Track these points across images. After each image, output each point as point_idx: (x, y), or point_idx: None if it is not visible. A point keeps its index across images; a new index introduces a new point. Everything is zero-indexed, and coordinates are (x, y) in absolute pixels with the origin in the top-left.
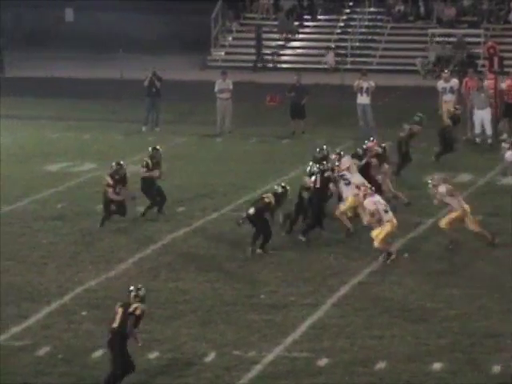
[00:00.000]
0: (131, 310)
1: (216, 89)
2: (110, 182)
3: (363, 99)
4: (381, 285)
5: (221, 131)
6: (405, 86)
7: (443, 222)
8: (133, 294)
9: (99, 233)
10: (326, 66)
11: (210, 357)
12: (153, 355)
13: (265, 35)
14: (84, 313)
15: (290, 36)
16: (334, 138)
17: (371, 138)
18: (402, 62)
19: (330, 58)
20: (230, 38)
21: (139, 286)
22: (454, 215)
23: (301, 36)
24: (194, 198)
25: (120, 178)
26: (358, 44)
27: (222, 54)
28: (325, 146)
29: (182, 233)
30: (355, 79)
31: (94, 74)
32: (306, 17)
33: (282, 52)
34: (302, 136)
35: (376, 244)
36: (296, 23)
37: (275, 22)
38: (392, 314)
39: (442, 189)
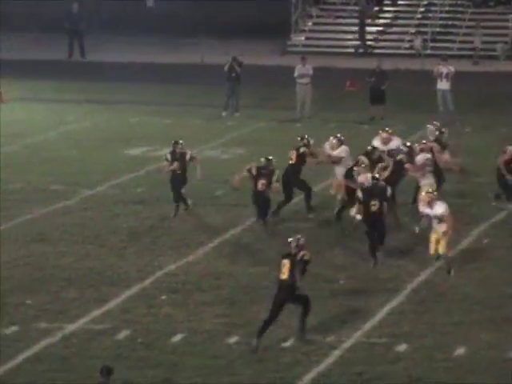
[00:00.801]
0: (299, 257)
1: (296, 74)
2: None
3: (443, 84)
4: (460, 271)
5: (300, 116)
6: (484, 71)
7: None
8: (293, 244)
9: (178, 217)
10: (412, 52)
11: (289, 342)
12: (232, 340)
13: (343, 21)
14: (163, 297)
15: (369, 21)
16: (413, 123)
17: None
18: (482, 48)
19: (418, 43)
20: (310, 23)
21: (298, 235)
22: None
23: (380, 21)
24: None
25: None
26: (438, 29)
27: (302, 39)
28: (306, 136)
29: None
30: (435, 65)
31: (174, 58)
32: (386, 2)
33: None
34: (382, 121)
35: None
36: (376, 8)
37: (355, 7)
38: (471, 300)
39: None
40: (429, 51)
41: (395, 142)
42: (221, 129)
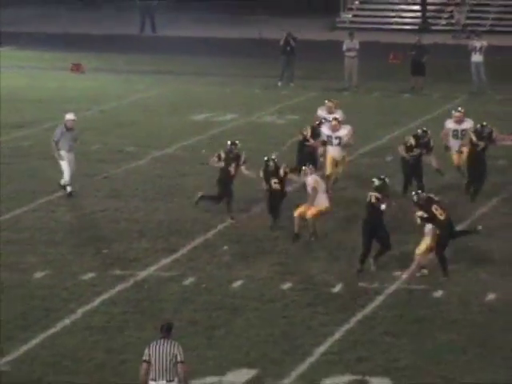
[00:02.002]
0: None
1: (344, 48)
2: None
3: (477, 57)
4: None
5: (348, 86)
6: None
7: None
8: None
9: (240, 177)
10: (457, 28)
11: (338, 288)
12: (286, 286)
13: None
14: (225, 247)
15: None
16: (450, 92)
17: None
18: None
19: (461, 19)
20: (357, 2)
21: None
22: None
23: None
24: None
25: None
26: (472, 8)
27: (350, 16)
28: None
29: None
30: (469, 40)
31: (234, 34)
32: None
33: (403, 14)
34: (421, 91)
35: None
36: None
37: None
38: (502, 253)
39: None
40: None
41: (469, 123)
42: (276, 97)
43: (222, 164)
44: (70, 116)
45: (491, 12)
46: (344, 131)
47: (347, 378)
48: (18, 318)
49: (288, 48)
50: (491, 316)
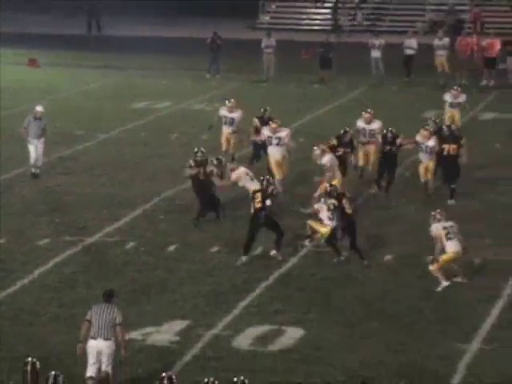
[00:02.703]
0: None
1: (262, 45)
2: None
3: (375, 53)
4: None
5: (266, 78)
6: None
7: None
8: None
9: (172, 152)
10: (356, 28)
11: (258, 251)
12: (214, 249)
13: (300, 4)
14: (161, 216)
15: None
16: (353, 83)
17: None
18: (406, 25)
19: (360, 19)
20: (274, 6)
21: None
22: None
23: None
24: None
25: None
26: (372, 11)
27: (268, 18)
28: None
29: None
30: (369, 39)
31: (169, 33)
32: None
33: (313, 17)
34: (329, 82)
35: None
36: None
37: None
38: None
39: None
40: (364, 27)
41: (377, 124)
42: (205, 87)
43: (194, 171)
44: (38, 108)
45: (388, 14)
46: (283, 133)
47: (266, 327)
48: None
49: (214, 45)
50: (388, 274)
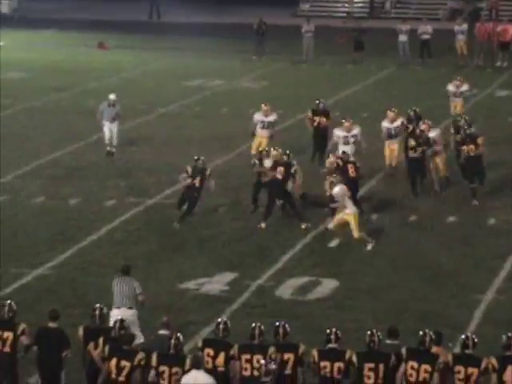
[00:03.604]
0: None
1: (303, 30)
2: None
3: (403, 37)
4: None
5: (305, 59)
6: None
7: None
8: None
9: (225, 127)
10: (386, 15)
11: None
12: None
13: None
14: (213, 181)
15: None
16: (382, 64)
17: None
18: (429, 12)
19: (388, 7)
20: None
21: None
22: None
23: None
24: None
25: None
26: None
27: (308, 6)
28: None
29: None
30: (397, 24)
31: (221, 19)
32: None
33: (347, 5)
34: (361, 63)
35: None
36: None
37: None
38: None
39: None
40: (393, 15)
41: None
42: (252, 68)
43: (189, 181)
44: (112, 96)
45: (413, 3)
46: (356, 130)
47: (305, 278)
48: (57, 234)
49: (260, 30)
50: (413, 232)
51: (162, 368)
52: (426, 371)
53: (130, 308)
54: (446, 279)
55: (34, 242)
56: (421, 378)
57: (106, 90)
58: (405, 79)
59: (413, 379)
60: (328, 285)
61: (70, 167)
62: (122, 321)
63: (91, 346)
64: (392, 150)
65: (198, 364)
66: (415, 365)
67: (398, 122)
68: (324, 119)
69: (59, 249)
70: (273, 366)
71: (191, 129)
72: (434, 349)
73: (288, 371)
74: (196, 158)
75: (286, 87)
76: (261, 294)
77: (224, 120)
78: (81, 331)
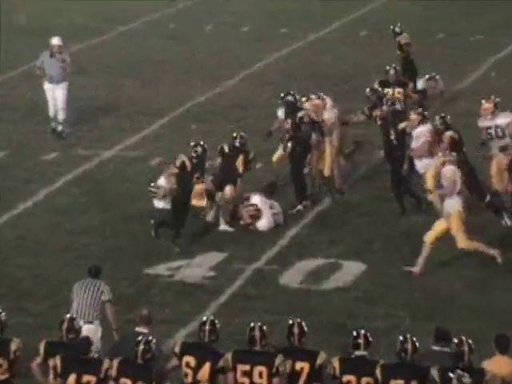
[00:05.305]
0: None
1: None
2: None
3: None
4: None
5: None
6: None
7: None
8: None
9: (208, 52)
10: None
11: None
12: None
13: None
14: (194, 126)
15: None
16: None
17: None
18: None
19: None
20: None
21: None
22: None
23: None
24: None
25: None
26: None
27: None
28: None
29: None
30: None
31: None
32: None
33: None
34: None
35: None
36: None
37: None
38: None
39: None
40: None
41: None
42: None
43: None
44: (55, 40)
45: None
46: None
47: (320, 261)
48: None
49: None
50: None
51: (123, 381)
52: None
53: (90, 322)
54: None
55: None
56: None
57: None
58: None
59: None
60: (351, 269)
61: None
62: (71, 319)
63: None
64: None
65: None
66: None
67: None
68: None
69: None
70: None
71: (162, 53)
72: (497, 358)
73: None
74: (193, 143)
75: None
76: (259, 281)
77: (208, 41)
78: (41, 347)
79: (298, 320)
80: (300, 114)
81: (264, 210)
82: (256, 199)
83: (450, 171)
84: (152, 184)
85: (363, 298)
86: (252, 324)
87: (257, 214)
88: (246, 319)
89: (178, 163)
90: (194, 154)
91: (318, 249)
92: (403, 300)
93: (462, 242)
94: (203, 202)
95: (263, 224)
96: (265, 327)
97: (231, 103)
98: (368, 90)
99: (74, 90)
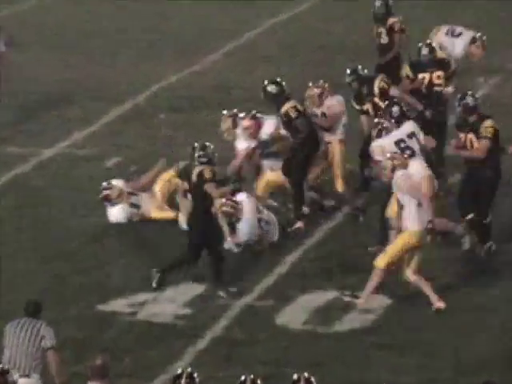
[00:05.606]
0: None
1: None
2: None
3: None
4: None
5: None
6: None
7: None
8: None
9: (179, 19)
10: None
11: None
12: None
13: None
14: (162, 116)
15: None
16: None
17: None
18: None
19: None
20: None
21: None
22: None
23: None
24: None
25: None
26: None
27: None
28: None
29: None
30: None
31: None
32: None
33: None
34: None
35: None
36: None
37: None
38: None
39: None
40: None
41: None
42: None
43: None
44: None
45: None
46: None
47: (330, 294)
48: None
49: None
50: None
51: None
52: None
53: (27, 376)
54: None
55: None
56: None
57: None
58: None
59: None
60: (371, 305)
61: None
62: (3, 372)
63: None
64: None
65: None
66: None
67: None
68: None
69: None
70: None
71: (120, 20)
72: None
73: None
74: (195, 145)
75: None
76: (250, 321)
77: (182, 3)
78: None
79: (306, 375)
80: (283, 110)
81: (246, 211)
82: (241, 197)
83: None
84: (104, 183)
85: (387, 344)
86: (243, 377)
87: (232, 212)
88: (232, 371)
89: (194, 177)
90: (204, 159)
91: (328, 278)
92: (441, 346)
93: (382, 262)
94: (171, 214)
95: (242, 230)
96: (259, 382)
97: (212, 85)
98: (348, 71)
99: (3, 70)
